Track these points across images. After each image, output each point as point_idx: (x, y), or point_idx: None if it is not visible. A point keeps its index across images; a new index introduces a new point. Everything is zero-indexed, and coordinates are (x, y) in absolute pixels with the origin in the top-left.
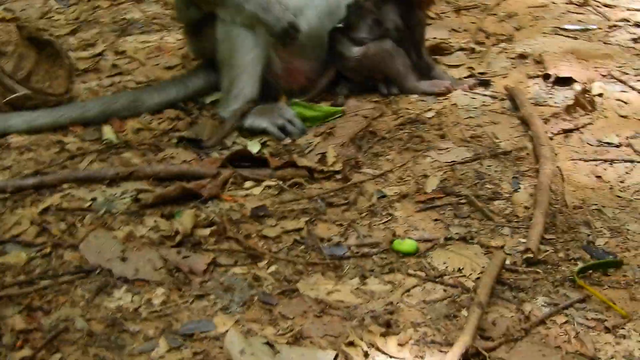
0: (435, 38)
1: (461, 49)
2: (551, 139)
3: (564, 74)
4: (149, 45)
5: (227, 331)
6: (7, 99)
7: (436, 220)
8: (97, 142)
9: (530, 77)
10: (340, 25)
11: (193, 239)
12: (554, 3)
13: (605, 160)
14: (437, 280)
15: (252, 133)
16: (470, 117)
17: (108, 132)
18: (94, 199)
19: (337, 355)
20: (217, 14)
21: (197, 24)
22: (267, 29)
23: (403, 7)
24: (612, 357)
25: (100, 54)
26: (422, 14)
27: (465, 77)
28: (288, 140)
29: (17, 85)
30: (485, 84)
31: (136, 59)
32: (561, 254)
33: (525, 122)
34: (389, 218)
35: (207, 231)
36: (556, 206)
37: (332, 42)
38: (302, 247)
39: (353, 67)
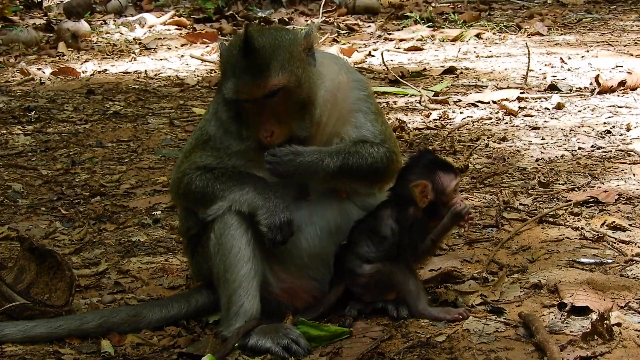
0: (446, 267)
1: (473, 278)
2: None
3: (580, 303)
4: (153, 266)
5: None
6: (3, 308)
7: None
8: (95, 355)
9: (545, 307)
10: (344, 242)
11: None
12: (567, 238)
13: None
14: None
15: (256, 352)
16: (482, 342)
17: (106, 345)
18: None
19: None
20: (213, 220)
21: (196, 241)
22: (261, 223)
23: (398, 208)
24: None
25: (102, 273)
26: (418, 212)
27: (477, 305)
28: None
29: (15, 295)
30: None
31: (140, 279)
32: None
33: (540, 349)
34: None
35: None
36: None
37: (338, 260)
38: None
39: (363, 285)
